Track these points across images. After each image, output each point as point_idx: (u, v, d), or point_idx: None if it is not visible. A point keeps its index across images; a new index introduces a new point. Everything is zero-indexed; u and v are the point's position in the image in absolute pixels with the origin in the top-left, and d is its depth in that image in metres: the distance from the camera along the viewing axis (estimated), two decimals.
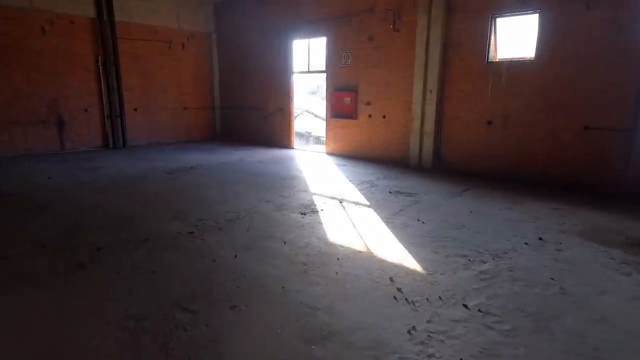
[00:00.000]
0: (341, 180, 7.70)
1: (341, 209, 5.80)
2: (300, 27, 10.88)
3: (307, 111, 24.18)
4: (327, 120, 10.81)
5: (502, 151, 7.85)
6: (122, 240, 4.50)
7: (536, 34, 7.23)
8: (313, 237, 4.67)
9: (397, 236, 4.72)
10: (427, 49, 8.38)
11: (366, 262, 4.03)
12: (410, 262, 4.02)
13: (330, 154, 10.79)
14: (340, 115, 10.39)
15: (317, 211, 5.65)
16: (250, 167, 8.95)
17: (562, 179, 7.13)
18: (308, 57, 10.99)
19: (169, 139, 12.72)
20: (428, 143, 8.70)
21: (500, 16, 7.63)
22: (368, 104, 9.80)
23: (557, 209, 5.86)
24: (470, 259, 4.09)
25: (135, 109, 11.84)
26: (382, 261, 4.05)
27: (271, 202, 6.10)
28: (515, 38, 8.02)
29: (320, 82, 28.90)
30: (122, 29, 11.12)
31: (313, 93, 31.13)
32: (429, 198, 6.42)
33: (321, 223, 5.15)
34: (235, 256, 4.10)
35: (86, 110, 10.84)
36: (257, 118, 12.63)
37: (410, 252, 4.27)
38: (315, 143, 26.20)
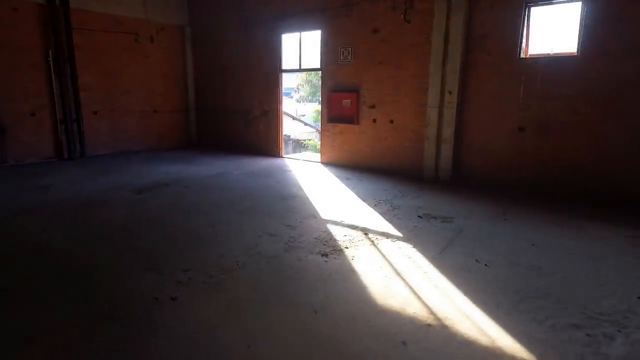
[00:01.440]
0: (352, 199, 6.37)
1: (370, 245, 4.45)
2: (290, 18, 9.47)
3: (284, 113, 22.74)
4: (322, 125, 9.45)
5: (535, 161, 6.74)
6: (66, 322, 2.98)
7: (579, 25, 6.15)
8: (352, 297, 3.30)
9: (465, 291, 3.42)
10: (446, 43, 7.18)
11: (445, 346, 2.70)
12: (507, 342, 2.72)
13: (327, 164, 9.44)
14: (338, 119, 9.06)
15: (341, 250, 4.28)
16: (238, 183, 7.47)
17: (610, 194, 6.07)
18: (300, 53, 9.60)
19: (137, 147, 11.00)
20: (446, 152, 7.49)
21: (536, 4, 6.52)
22: (372, 106, 8.52)
23: (633, 237, 4.74)
24: (588, 333, 2.84)
25: (96, 113, 10.08)
26: (467, 343, 2.73)
27: (277, 236, 4.68)
28: (553, 30, 6.93)
29: (299, 81, 27.65)
30: (78, 18, 9.37)
31: (286, 94, 29.74)
32: (471, 225, 5.18)
33: (354, 271, 3.79)
34: (249, 346, 2.68)
35: (33, 114, 9.02)
36: (239, 122, 11.11)
37: (498, 320, 2.98)
38: (295, 147, 24.88)
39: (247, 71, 10.62)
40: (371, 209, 5.82)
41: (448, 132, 7.41)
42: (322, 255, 4.13)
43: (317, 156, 10.29)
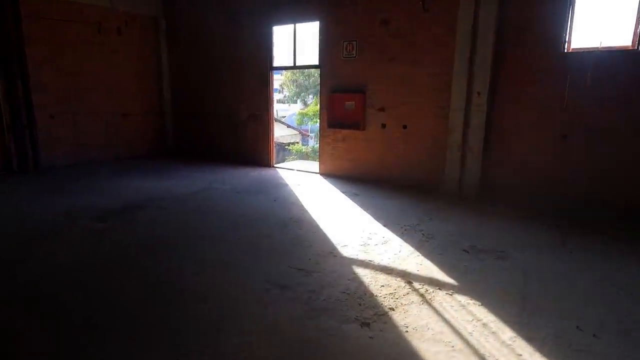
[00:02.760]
0: (371, 224, 5.17)
1: (422, 302, 3.26)
2: (283, 8, 8.21)
3: None
4: (321, 131, 8.22)
5: (583, 174, 5.72)
6: None
7: (638, 14, 5.16)
8: None
9: None
10: (474, 36, 6.08)
11: None
12: None
13: (327, 175, 8.21)
14: (340, 124, 7.85)
15: (385, 313, 3.06)
16: (226, 203, 6.15)
17: None
18: (294, 47, 8.34)
19: (105, 156, 9.49)
20: (473, 163, 6.40)
21: None
22: (381, 109, 7.35)
23: None
24: None
25: (52, 117, 8.55)
26: None
27: (289, 288, 3.42)
28: (601, 21, 5.93)
29: (283, 80, 26.26)
30: (30, 6, 7.85)
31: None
32: (532, 261, 4.07)
33: (417, 355, 2.58)
34: None
35: None
36: (224, 127, 9.75)
37: None
38: (279, 150, 23.49)
39: (232, 69, 9.28)
40: (400, 240, 4.63)
41: (476, 139, 6.31)
42: (362, 324, 2.90)
43: (315, 166, 9.05)
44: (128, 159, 9.70)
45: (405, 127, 7.15)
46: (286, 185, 7.44)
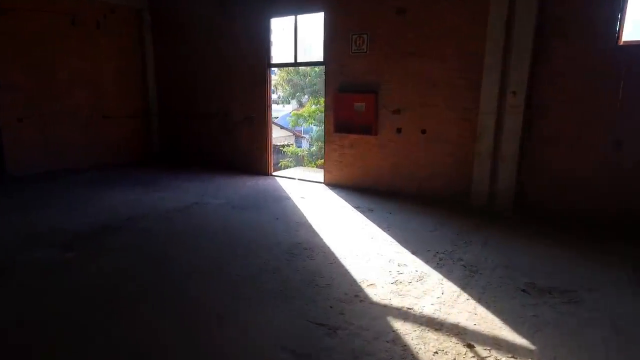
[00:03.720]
0: (397, 251, 4.29)
1: None
2: None
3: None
4: (327, 136, 7.31)
5: None
6: None
7: None
8: None
9: None
10: (508, 26, 5.22)
11: None
12: None
13: (333, 185, 7.30)
14: (348, 128, 6.95)
15: None
16: (221, 223, 5.21)
17: None
18: (295, 42, 7.42)
19: (82, 164, 8.47)
20: (507, 174, 5.54)
21: None
22: (396, 112, 6.46)
23: None
24: None
25: (21, 120, 7.53)
26: None
27: (312, 358, 2.50)
28: None
29: (275, 81, 25.20)
30: None
31: None
32: (613, 305, 3.22)
33: None
34: None
35: None
36: (216, 131, 8.79)
37: None
38: (272, 152, 22.54)
39: (225, 66, 8.33)
40: (438, 275, 3.74)
41: (511, 146, 5.45)
42: None
43: (318, 175, 8.14)
44: (109, 167, 8.68)
45: (424, 131, 6.27)
46: (288, 198, 6.51)
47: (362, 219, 5.43)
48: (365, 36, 6.53)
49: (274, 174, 8.33)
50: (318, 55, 7.25)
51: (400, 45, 6.24)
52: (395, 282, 3.58)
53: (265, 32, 7.69)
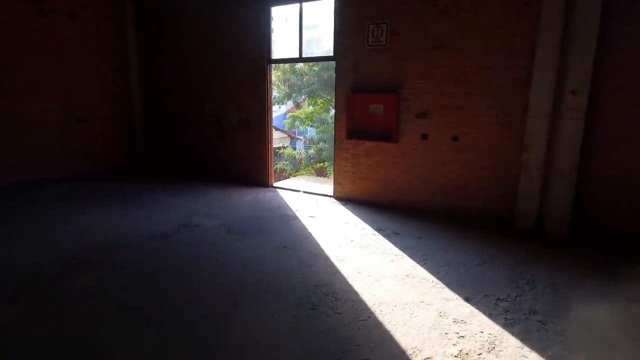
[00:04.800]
0: (445, 297, 3.29)
1: None
2: None
3: None
4: (337, 142, 6.30)
5: None
6: None
7: None
8: None
9: None
10: (567, 8, 4.26)
11: None
12: None
13: (345, 200, 6.29)
14: (364, 134, 5.96)
15: None
16: (215, 256, 4.18)
17: None
18: (300, 34, 6.41)
19: (54, 175, 7.38)
20: (562, 190, 4.58)
21: None
22: (422, 115, 5.48)
23: None
24: None
25: None
26: None
27: None
28: None
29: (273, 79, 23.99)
30: None
31: None
32: None
33: None
34: None
35: None
36: (208, 136, 7.74)
37: None
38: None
39: (218, 63, 7.29)
40: (515, 341, 2.75)
41: (568, 157, 4.49)
42: None
43: (326, 187, 7.15)
44: (85, 177, 7.58)
45: (456, 138, 5.30)
46: (295, 217, 5.48)
47: (388, 246, 4.43)
48: (384, 26, 5.54)
49: (275, 185, 7.30)
50: (327, 49, 6.24)
51: (428, 37, 5.26)
52: (459, 355, 2.58)
53: (265, 23, 6.67)
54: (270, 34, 6.76)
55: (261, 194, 6.74)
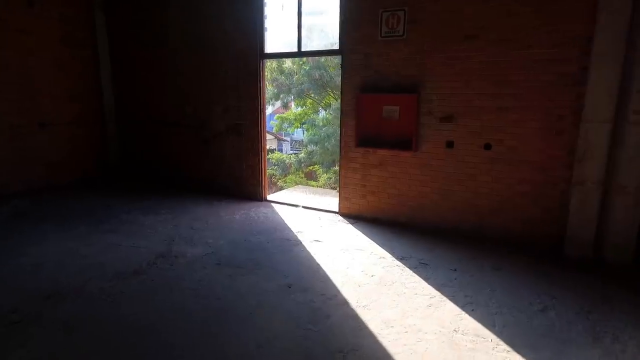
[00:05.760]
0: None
1: None
2: None
3: None
4: (343, 150, 5.40)
5: None
6: None
7: None
8: None
9: None
10: None
11: None
12: None
13: (353, 217, 5.40)
14: (375, 141, 5.08)
15: None
16: (202, 303, 3.23)
17: None
18: (298, 24, 5.49)
19: (8, 189, 6.28)
20: (626, 212, 3.78)
21: None
22: (447, 119, 4.62)
23: None
24: None
25: None
26: None
27: None
28: None
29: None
30: None
31: None
32: None
33: None
34: None
35: None
36: (192, 143, 6.75)
37: None
38: None
39: (203, 57, 6.31)
40: None
41: (634, 171, 3.68)
42: None
43: (329, 200, 6.25)
44: (48, 191, 6.51)
45: (488, 146, 4.46)
46: (297, 242, 4.56)
47: (419, 284, 3.55)
48: (401, 13, 4.67)
49: (269, 199, 6.36)
50: (331, 41, 5.36)
51: (456, 25, 4.41)
52: None
53: (258, 11, 5.73)
54: (263, 24, 5.83)
55: (254, 210, 5.79)
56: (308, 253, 4.25)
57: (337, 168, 17.03)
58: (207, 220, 5.29)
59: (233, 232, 4.86)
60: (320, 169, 16.96)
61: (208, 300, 3.23)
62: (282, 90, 18.32)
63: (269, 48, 5.86)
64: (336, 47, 5.25)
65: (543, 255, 4.15)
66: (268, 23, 5.93)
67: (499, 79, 4.28)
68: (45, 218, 5.20)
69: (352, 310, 3.12)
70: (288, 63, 16.76)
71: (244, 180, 6.31)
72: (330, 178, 16.42)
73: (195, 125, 6.60)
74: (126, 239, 4.54)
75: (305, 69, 15.91)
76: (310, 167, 17.49)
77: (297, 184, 17.29)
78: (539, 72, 4.09)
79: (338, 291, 3.42)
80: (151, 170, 7.29)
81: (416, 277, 3.67)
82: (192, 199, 6.23)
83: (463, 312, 3.09)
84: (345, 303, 3.22)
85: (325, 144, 13.71)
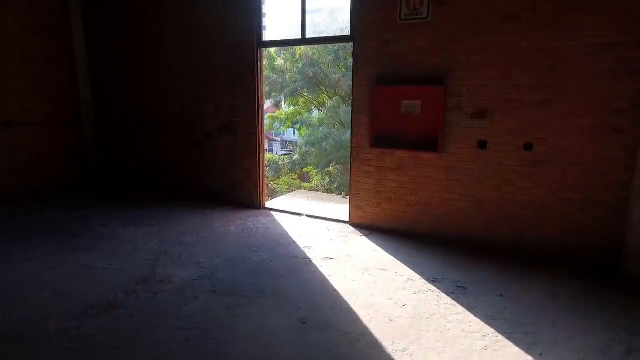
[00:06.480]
0: None
1: None
2: None
3: None
4: (355, 151, 4.71)
5: None
6: None
7: None
8: None
9: None
10: None
11: None
12: None
13: (366, 228, 4.72)
14: (393, 141, 4.42)
15: None
16: (196, 347, 2.49)
17: None
18: (302, 7, 4.79)
19: None
20: None
21: None
22: (479, 114, 3.98)
23: None
24: None
25: None
26: None
27: None
28: None
29: None
30: None
31: None
32: None
33: None
34: None
35: None
36: (180, 144, 6.01)
37: None
38: None
39: (192, 48, 5.59)
40: None
41: None
42: None
43: (336, 208, 5.57)
44: (13, 199, 5.69)
45: (529, 147, 3.82)
46: (307, 261, 3.86)
47: (463, 316, 2.88)
48: None
49: (268, 206, 5.64)
50: (342, 26, 4.67)
51: (491, 5, 3.77)
52: None
53: None
54: (261, 8, 5.12)
55: (252, 219, 5.07)
56: (321, 275, 3.55)
57: (331, 169, 16.44)
58: (198, 233, 4.56)
59: (229, 247, 4.14)
60: (314, 171, 16.27)
61: (201, 345, 2.52)
62: (274, 89, 17.60)
63: (268, 35, 5.14)
64: (347, 33, 4.57)
65: (599, 275, 3.52)
66: (267, 7, 5.21)
67: (544, 67, 3.65)
68: (7, 232, 4.42)
69: (388, 356, 2.44)
70: (279, 60, 16.07)
71: (239, 186, 5.59)
72: (324, 179, 15.75)
73: (184, 123, 5.86)
74: (101, 258, 3.79)
75: (298, 67, 15.21)
76: (305, 170, 16.77)
77: (289, 185, 16.57)
78: (593, 58, 3.47)
79: (365, 328, 2.73)
80: (134, 175, 6.52)
81: (458, 307, 3.01)
82: (180, 208, 5.48)
83: (530, 358, 2.43)
84: (377, 346, 2.54)
85: (324, 144, 13.00)
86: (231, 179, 5.63)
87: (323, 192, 14.11)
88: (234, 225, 4.85)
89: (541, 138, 3.77)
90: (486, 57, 3.86)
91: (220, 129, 5.58)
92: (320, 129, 13.76)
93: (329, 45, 14.30)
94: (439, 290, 3.26)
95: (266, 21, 5.14)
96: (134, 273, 3.49)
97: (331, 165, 14.99)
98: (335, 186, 15.11)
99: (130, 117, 6.35)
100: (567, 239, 3.78)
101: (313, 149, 14.43)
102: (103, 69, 6.45)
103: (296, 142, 22.29)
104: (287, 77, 15.80)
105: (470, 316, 2.89)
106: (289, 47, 15.26)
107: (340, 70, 14.29)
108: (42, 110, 6.21)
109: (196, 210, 5.40)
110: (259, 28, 5.10)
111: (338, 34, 4.82)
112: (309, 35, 4.87)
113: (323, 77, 14.67)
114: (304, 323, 2.78)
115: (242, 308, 2.97)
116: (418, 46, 4.15)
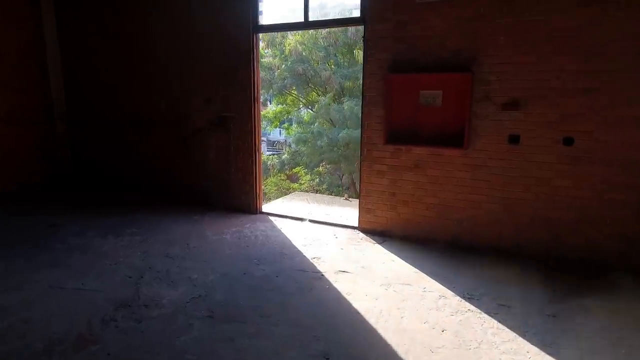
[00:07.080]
0: None
1: None
2: None
3: None
4: (366, 148, 4.19)
5: None
6: None
7: None
8: None
9: None
10: None
11: None
12: None
13: (379, 234, 4.21)
14: (410, 137, 3.92)
15: None
16: None
17: None
18: None
19: None
20: None
21: None
22: (510, 105, 3.51)
23: None
24: None
25: None
26: None
27: None
28: None
29: None
30: None
31: None
32: None
33: None
34: None
35: None
36: (166, 142, 5.39)
37: None
38: None
39: (179, 34, 4.99)
40: None
41: None
42: None
43: (340, 211, 5.03)
44: None
45: (570, 141, 3.37)
46: (318, 274, 3.32)
47: (517, 344, 2.39)
48: None
49: (264, 210, 5.08)
50: (349, 6, 4.18)
51: None
52: None
53: None
54: None
55: (249, 226, 4.51)
56: (337, 293, 3.02)
57: (321, 169, 15.91)
58: (189, 242, 3.97)
59: (225, 260, 3.57)
60: (303, 171, 15.71)
61: None
62: (262, 86, 17.00)
63: (265, 18, 4.60)
64: (357, 14, 4.05)
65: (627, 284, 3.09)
66: None
67: (588, 50, 3.20)
68: None
69: None
70: (268, 57, 15.49)
71: (233, 188, 5.01)
72: (314, 180, 15.22)
73: (170, 120, 5.25)
74: (73, 276, 3.18)
75: (288, 63, 14.62)
76: (295, 170, 16.20)
77: (277, 186, 15.98)
78: None
79: None
80: (113, 177, 5.87)
81: (507, 332, 2.51)
82: (167, 213, 4.87)
83: None
84: None
85: (318, 142, 12.46)
86: (224, 180, 5.05)
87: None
88: (228, 232, 4.28)
89: (584, 131, 3.31)
90: (519, 39, 3.39)
91: (211, 125, 4.99)
92: (314, 125, 13.22)
93: (320, 41, 13.85)
94: (479, 310, 2.76)
95: (263, 5, 4.55)
96: (113, 295, 2.90)
97: (321, 165, 14.49)
98: (324, 186, 14.61)
99: (108, 113, 5.70)
100: (614, 244, 3.34)
101: (304, 147, 13.86)
102: (77, 58, 5.79)
103: (284, 141, 21.71)
104: (275, 74, 15.20)
105: (524, 343, 2.40)
106: (277, 44, 14.74)
107: (330, 68, 13.80)
108: (4, 104, 5.50)
109: (184, 216, 4.79)
110: (255, 10, 4.54)
111: (346, 15, 4.29)
112: (312, 18, 4.33)
113: (313, 74, 14.14)
114: (327, 359, 2.24)
115: (247, 339, 2.41)
116: (439, 28, 3.66)
